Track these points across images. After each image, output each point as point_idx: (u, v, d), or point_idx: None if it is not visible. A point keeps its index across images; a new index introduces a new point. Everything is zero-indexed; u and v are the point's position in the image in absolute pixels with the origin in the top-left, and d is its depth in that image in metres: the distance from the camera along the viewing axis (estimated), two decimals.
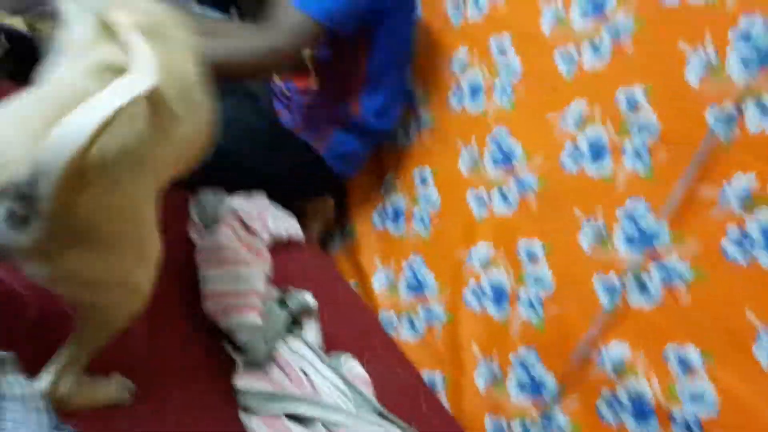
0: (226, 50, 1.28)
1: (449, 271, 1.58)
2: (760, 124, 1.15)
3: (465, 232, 1.57)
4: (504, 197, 1.52)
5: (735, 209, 1.16)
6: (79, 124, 0.60)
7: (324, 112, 1.63)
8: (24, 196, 0.63)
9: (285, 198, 1.55)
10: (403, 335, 1.62)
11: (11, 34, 1.93)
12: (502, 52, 1.59)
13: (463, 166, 1.62)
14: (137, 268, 0.79)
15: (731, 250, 1.16)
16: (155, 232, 0.82)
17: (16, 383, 0.60)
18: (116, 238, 0.73)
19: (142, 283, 0.80)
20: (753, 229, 1.14)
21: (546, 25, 1.51)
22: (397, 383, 1.33)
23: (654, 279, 1.24)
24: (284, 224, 1.46)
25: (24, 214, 0.64)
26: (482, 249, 1.53)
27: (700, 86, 1.24)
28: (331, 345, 1.26)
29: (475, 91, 1.63)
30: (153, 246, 0.81)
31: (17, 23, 1.96)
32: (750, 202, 1.14)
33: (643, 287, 1.26)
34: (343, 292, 1.56)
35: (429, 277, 1.63)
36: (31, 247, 0.66)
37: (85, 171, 0.64)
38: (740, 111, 1.18)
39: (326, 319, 1.32)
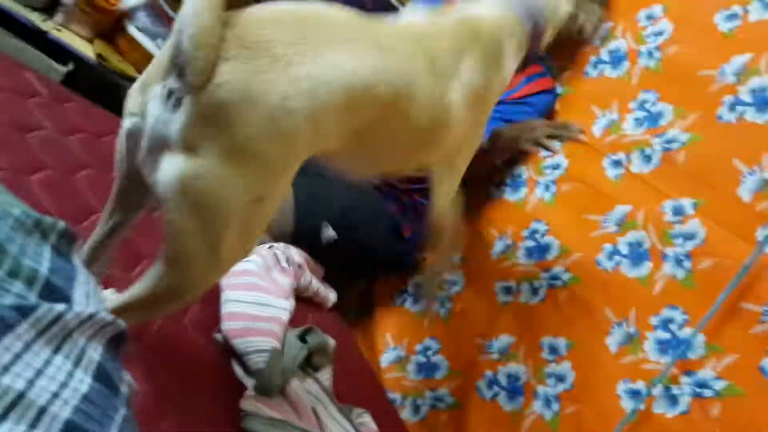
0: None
1: (464, 357, 1.53)
2: None
3: (486, 319, 1.54)
4: (533, 290, 1.50)
5: None
6: None
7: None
8: (178, 67, 0.67)
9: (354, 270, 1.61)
10: (404, 415, 1.55)
11: (78, 58, 2.01)
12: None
13: (495, 254, 1.61)
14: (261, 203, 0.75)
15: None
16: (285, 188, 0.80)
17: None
18: (253, 153, 0.71)
19: (259, 224, 0.78)
20: None
21: (598, 128, 1.56)
22: None
23: (684, 389, 1.20)
24: (320, 284, 1.45)
25: (177, 91, 0.67)
26: (503, 340, 1.49)
27: (752, 202, 1.25)
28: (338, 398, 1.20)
29: (517, 183, 1.65)
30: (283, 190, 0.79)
31: (86, 47, 2.05)
32: None
33: (672, 398, 1.20)
34: (353, 356, 1.50)
35: (442, 361, 1.57)
36: (180, 135, 0.68)
37: (222, 37, 0.68)
38: None
39: (334, 376, 1.26)
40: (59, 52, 1.99)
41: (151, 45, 2.18)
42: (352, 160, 0.95)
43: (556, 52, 1.54)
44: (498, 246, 1.62)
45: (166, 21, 2.17)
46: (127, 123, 0.75)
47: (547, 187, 1.59)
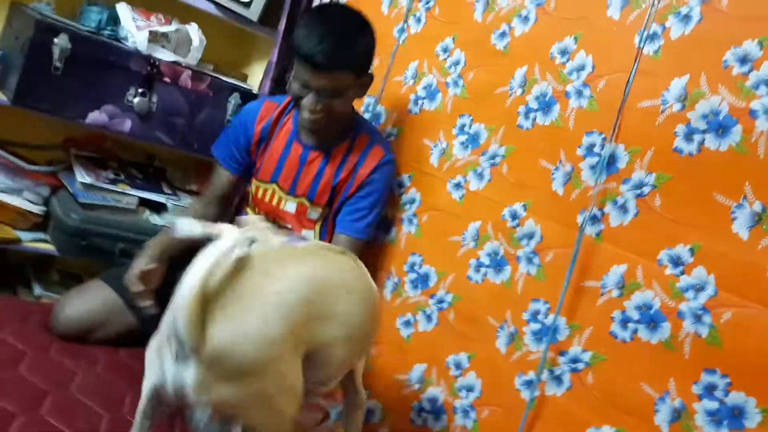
0: None
1: (393, 396, 1.69)
2: (620, 220, 1.35)
3: (399, 357, 1.69)
4: (427, 316, 1.67)
5: (615, 294, 1.33)
6: (189, 281, 0.94)
7: None
8: (177, 340, 0.95)
9: None
10: None
11: None
12: (402, 186, 1.80)
13: (387, 293, 1.77)
14: (279, 396, 1.03)
15: (618, 331, 1.32)
16: (294, 366, 1.06)
17: None
18: (254, 369, 0.99)
19: (286, 409, 1.05)
20: (631, 309, 1.31)
21: (434, 158, 1.74)
22: None
23: (563, 368, 1.38)
24: None
25: (181, 353, 0.96)
26: (418, 369, 1.65)
27: (564, 194, 1.45)
28: None
29: (386, 224, 1.82)
30: (293, 376, 1.06)
31: None
32: (625, 287, 1.32)
33: (556, 378, 1.39)
34: None
35: (376, 405, 1.72)
36: (194, 381, 0.96)
37: (206, 307, 0.97)
38: (602, 211, 1.38)
39: None
40: None
41: (20, 201, 2.25)
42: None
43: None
44: (389, 285, 1.78)
45: (23, 173, 2.23)
46: (153, 379, 1.03)
47: (410, 221, 1.77)
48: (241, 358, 0.98)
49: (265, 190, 1.78)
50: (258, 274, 1.07)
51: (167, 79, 2.19)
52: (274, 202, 1.77)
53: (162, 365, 1.00)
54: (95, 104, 2.10)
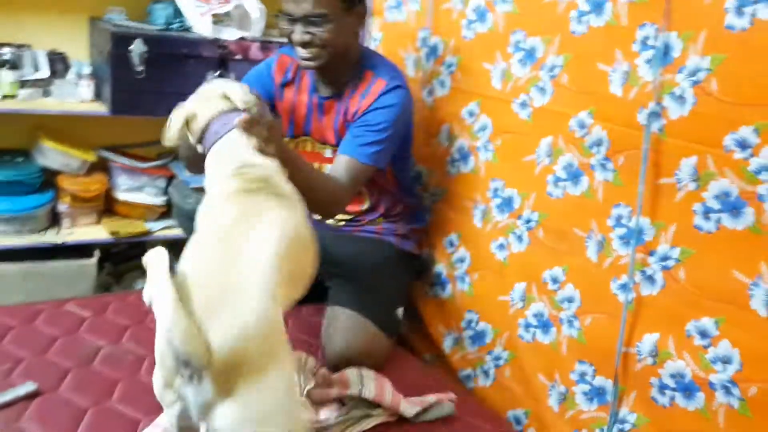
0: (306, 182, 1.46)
1: (499, 316, 1.76)
2: (679, 111, 1.31)
3: (500, 279, 1.75)
4: (518, 237, 1.70)
5: (692, 188, 1.30)
6: (161, 299, 0.91)
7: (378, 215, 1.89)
8: (185, 362, 0.91)
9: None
10: (481, 383, 1.80)
11: (97, 244, 2.34)
12: (473, 115, 1.81)
13: (478, 221, 1.82)
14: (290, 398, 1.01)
15: (702, 223, 1.29)
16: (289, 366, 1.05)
17: None
18: (267, 351, 0.96)
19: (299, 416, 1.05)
20: (711, 200, 1.27)
21: (496, 81, 1.73)
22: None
23: (654, 268, 1.38)
24: None
25: (195, 373, 0.91)
26: (519, 288, 1.71)
27: (624, 94, 1.40)
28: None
29: (464, 155, 1.85)
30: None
31: (98, 230, 2.37)
32: (700, 179, 1.29)
33: (649, 279, 1.39)
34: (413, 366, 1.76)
35: (485, 327, 1.80)
36: (215, 392, 0.91)
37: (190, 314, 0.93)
38: (661, 106, 1.33)
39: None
40: (82, 250, 2.33)
41: (142, 197, 2.49)
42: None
43: None
44: (477, 213, 1.83)
45: (141, 170, 2.47)
46: (172, 411, 0.98)
47: (486, 148, 1.78)
48: (253, 351, 0.94)
49: (301, 142, 1.83)
50: (224, 252, 1.05)
51: (238, 56, 2.31)
52: (316, 150, 1.82)
53: (178, 394, 0.95)
54: (180, 97, 2.23)
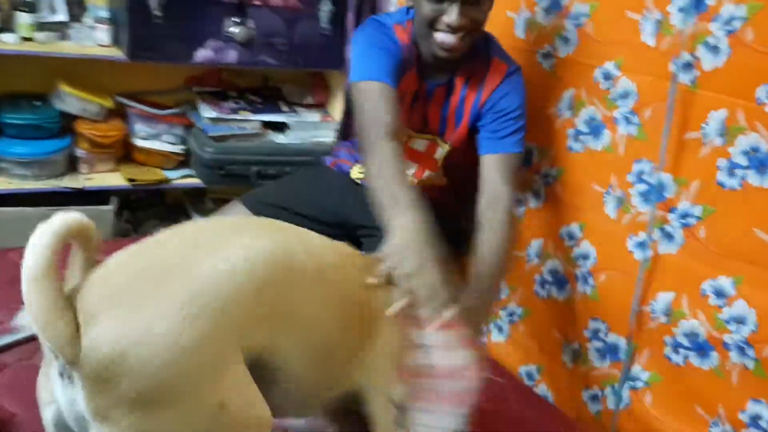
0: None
1: (514, 272, 1.74)
2: (713, 62, 1.25)
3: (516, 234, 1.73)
4: (536, 193, 1.67)
5: (718, 143, 1.26)
6: (28, 258, 0.72)
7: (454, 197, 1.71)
8: (52, 351, 0.72)
9: None
10: (494, 338, 1.80)
11: (115, 191, 2.35)
12: None
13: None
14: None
15: (726, 180, 1.25)
16: (240, 378, 0.78)
17: None
18: (167, 389, 0.71)
19: None
20: (737, 155, 1.23)
21: (519, 31, 1.67)
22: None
23: (674, 225, 1.35)
24: None
25: (66, 369, 0.71)
26: (535, 244, 1.68)
27: (656, 44, 1.35)
28: None
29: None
30: (242, 396, 0.77)
31: (116, 177, 2.37)
32: (728, 133, 1.24)
33: (668, 236, 1.36)
34: None
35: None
36: (89, 412, 0.71)
37: (79, 308, 0.72)
38: (695, 56, 1.28)
39: None
40: (100, 195, 2.34)
41: (160, 144, 2.49)
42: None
43: None
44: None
45: (159, 118, 2.46)
46: (47, 413, 0.77)
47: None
48: (142, 372, 0.70)
49: None
50: (183, 244, 0.82)
51: (258, 2, 2.26)
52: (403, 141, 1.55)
53: (51, 388, 0.75)
54: (199, 42, 2.22)
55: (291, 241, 0.90)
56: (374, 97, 1.35)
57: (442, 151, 1.59)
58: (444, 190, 1.68)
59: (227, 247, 0.82)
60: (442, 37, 1.37)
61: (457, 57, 1.43)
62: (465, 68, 1.50)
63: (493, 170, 1.43)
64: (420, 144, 1.61)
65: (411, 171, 1.63)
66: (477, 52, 1.49)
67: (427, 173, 1.63)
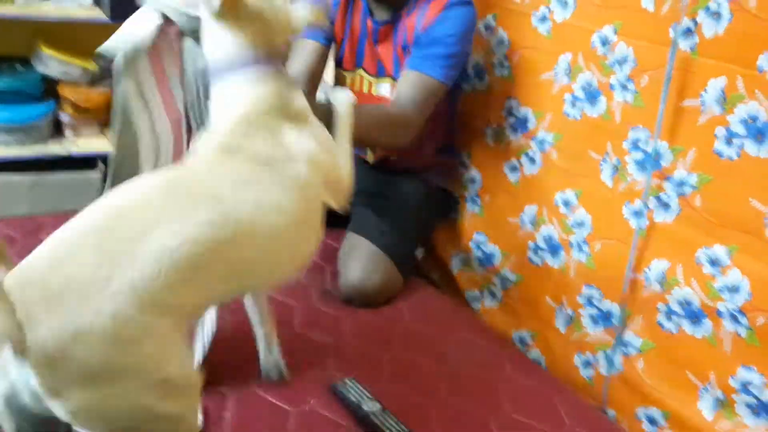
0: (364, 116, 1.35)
1: (508, 238, 1.74)
2: (714, 29, 1.23)
3: (511, 201, 1.72)
4: (531, 159, 1.66)
5: (716, 111, 1.25)
6: None
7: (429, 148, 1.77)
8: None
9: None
10: (488, 304, 1.80)
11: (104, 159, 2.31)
12: (489, 29, 1.73)
13: (490, 141, 1.77)
14: (163, 400, 0.81)
15: (723, 149, 1.24)
16: (182, 358, 0.86)
17: None
18: (111, 370, 0.77)
19: (180, 413, 0.84)
20: (735, 124, 1.22)
21: None
22: (479, 354, 1.51)
23: (669, 194, 1.34)
24: None
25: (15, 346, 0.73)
26: (529, 211, 1.67)
27: (656, 9, 1.32)
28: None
29: (479, 72, 1.78)
30: (182, 373, 0.84)
31: (103, 142, 2.33)
32: (727, 102, 1.23)
33: (664, 205, 1.36)
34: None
35: (494, 249, 1.79)
36: (42, 390, 0.74)
37: (21, 301, 0.72)
38: (695, 22, 1.26)
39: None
40: (87, 161, 2.30)
41: None
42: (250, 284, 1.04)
43: None
44: (488, 133, 1.77)
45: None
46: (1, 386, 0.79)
47: (501, 65, 1.71)
48: (88, 358, 0.75)
49: (353, 79, 1.72)
50: (107, 238, 0.82)
51: None
52: (365, 90, 1.70)
53: (3, 366, 0.77)
54: None
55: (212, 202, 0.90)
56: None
57: None
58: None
59: (157, 228, 0.84)
60: None
61: None
62: (407, 5, 1.59)
63: (407, 84, 1.52)
64: (383, 88, 1.68)
65: None
66: None
67: None
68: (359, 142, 1.29)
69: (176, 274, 0.82)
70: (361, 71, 1.71)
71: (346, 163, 1.17)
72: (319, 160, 1.05)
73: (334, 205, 1.12)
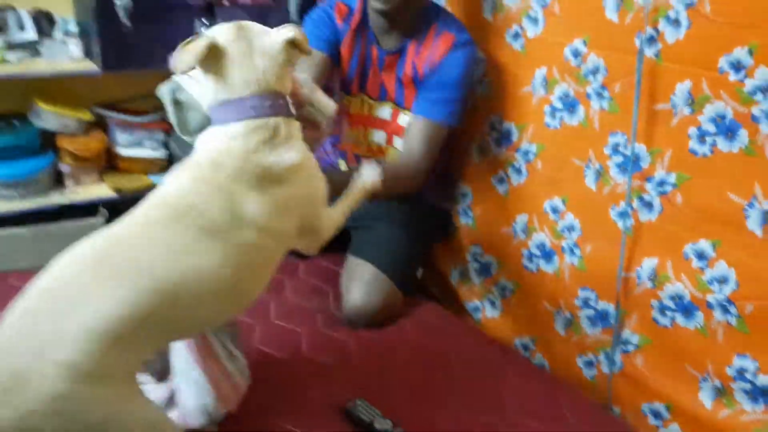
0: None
1: (503, 248, 1.79)
2: (675, 35, 1.29)
3: (501, 212, 1.77)
4: (517, 170, 1.71)
5: (687, 113, 1.30)
6: None
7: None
8: None
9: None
10: (489, 314, 1.85)
11: (103, 202, 2.36)
12: None
13: (475, 156, 1.83)
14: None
15: (697, 147, 1.30)
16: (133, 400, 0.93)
17: None
18: None
19: None
20: (706, 123, 1.28)
21: (487, 12, 1.70)
22: (485, 364, 1.55)
23: (651, 194, 1.40)
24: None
25: None
26: (520, 220, 1.73)
27: (620, 20, 1.39)
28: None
29: None
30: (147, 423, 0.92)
31: (102, 187, 2.39)
32: (695, 103, 1.28)
33: (647, 205, 1.41)
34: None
35: (490, 259, 1.84)
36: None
37: None
38: (657, 30, 1.32)
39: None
40: (89, 208, 2.35)
41: (142, 151, 2.50)
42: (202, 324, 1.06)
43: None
44: (473, 149, 1.83)
45: (138, 125, 2.46)
46: None
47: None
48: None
49: (354, 102, 1.77)
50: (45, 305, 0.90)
51: (225, 2, 2.27)
52: (365, 111, 1.75)
53: None
54: (171, 46, 2.18)
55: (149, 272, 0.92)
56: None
57: (405, 117, 1.71)
58: None
59: (81, 306, 0.88)
60: None
61: (391, 12, 1.57)
62: (415, 38, 1.64)
63: (416, 131, 1.61)
64: (384, 111, 1.75)
65: (381, 137, 1.76)
66: (427, 21, 1.64)
67: (396, 139, 1.74)
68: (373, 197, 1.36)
69: (104, 347, 0.86)
70: (362, 95, 1.76)
71: (333, 220, 1.21)
72: (275, 226, 1.02)
73: (303, 251, 1.16)
